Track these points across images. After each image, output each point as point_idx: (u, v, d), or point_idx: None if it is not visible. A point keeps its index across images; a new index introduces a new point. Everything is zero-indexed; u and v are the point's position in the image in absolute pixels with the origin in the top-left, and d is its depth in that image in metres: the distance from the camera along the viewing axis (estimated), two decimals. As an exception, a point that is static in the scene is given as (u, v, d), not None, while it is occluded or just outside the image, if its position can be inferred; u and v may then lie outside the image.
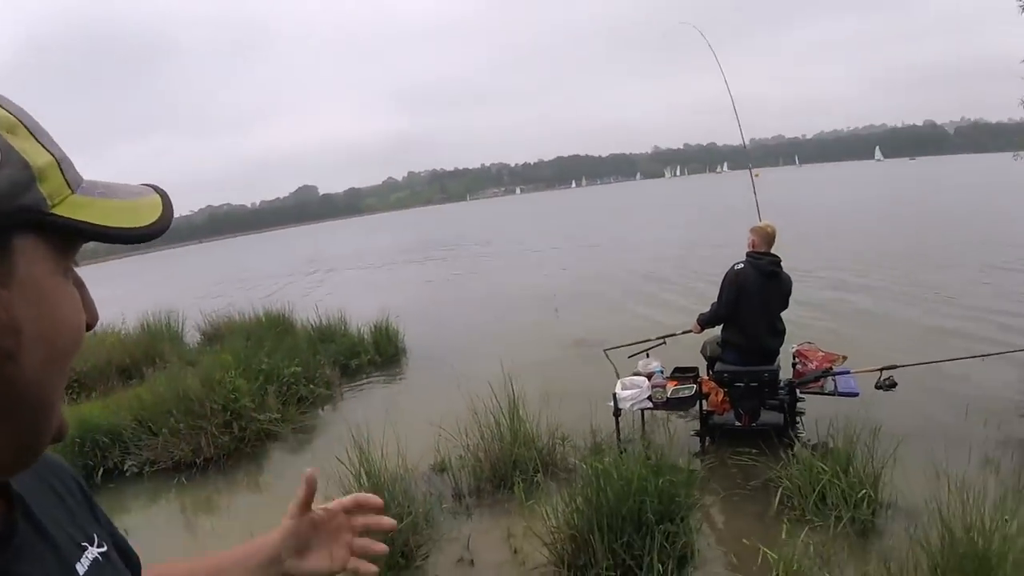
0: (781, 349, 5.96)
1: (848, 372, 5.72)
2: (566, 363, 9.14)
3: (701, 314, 6.22)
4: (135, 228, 0.66)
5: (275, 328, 11.23)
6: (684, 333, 6.81)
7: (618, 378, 6.27)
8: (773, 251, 5.91)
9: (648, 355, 6.78)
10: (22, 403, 0.60)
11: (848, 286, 12.38)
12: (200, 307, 14.04)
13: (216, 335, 12.02)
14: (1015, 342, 7.05)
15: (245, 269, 33.84)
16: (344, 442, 5.21)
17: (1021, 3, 9.22)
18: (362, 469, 4.70)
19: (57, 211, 0.60)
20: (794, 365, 5.99)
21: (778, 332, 5.88)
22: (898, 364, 5.52)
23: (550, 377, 7.56)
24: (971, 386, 6.56)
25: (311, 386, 8.60)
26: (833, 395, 5.70)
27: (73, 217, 0.61)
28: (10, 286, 0.57)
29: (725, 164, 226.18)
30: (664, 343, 7.27)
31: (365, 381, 9.54)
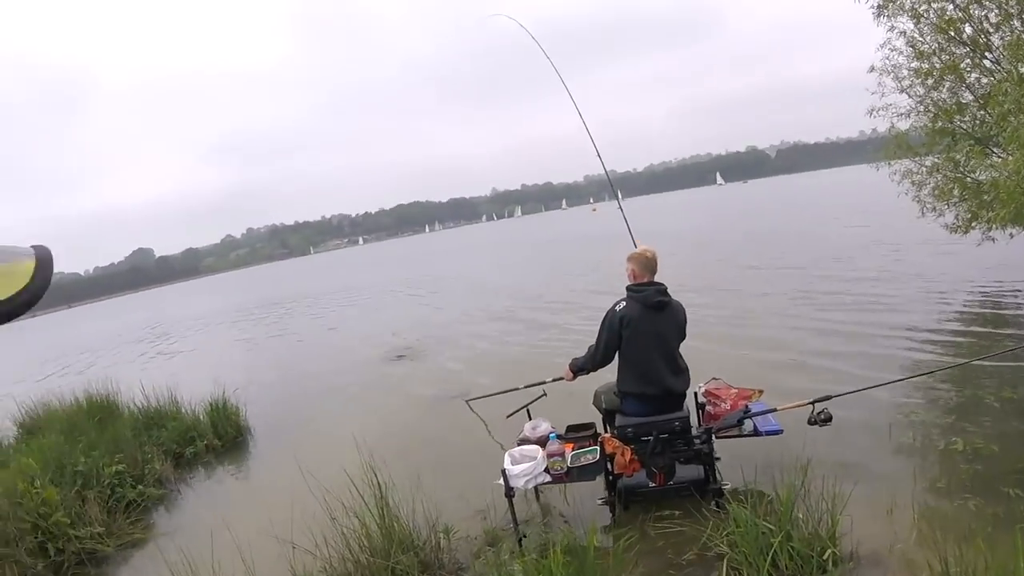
0: (687, 390, 5.12)
1: (774, 410, 4.95)
2: (429, 423, 8.17)
3: (574, 359, 5.36)
4: None
5: (96, 416, 9.53)
6: (555, 381, 5.87)
7: (488, 431, 5.42)
8: (656, 279, 5.10)
9: (530, 414, 5.83)
10: None
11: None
12: (17, 394, 12.27)
13: (34, 427, 10.19)
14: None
15: (74, 344, 30.93)
16: (177, 561, 4.22)
17: (874, 11, 9.07)
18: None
19: None
20: (703, 407, 5.19)
21: (680, 370, 5.04)
22: (832, 394, 4.78)
23: (415, 447, 6.57)
24: (879, 410, 6.14)
25: (140, 487, 7.17)
26: (753, 436, 4.94)
27: None
28: None
29: (564, 201, 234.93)
30: (544, 395, 6.37)
31: (204, 473, 8.16)
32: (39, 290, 0.62)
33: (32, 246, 0.67)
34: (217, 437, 8.88)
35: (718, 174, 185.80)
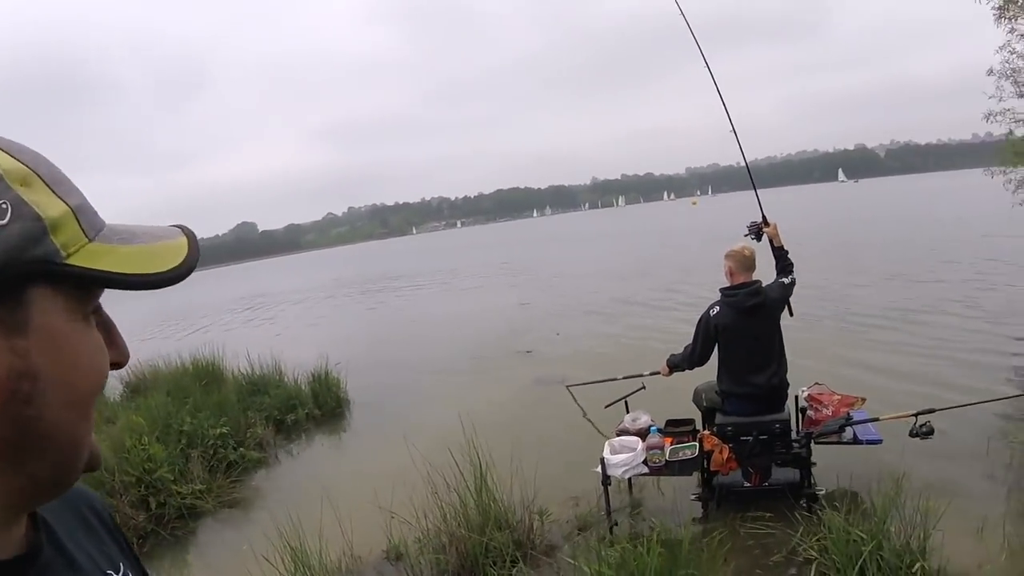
0: (789, 391, 5.08)
1: (877, 420, 4.89)
2: (529, 408, 8.23)
3: (672, 355, 5.42)
4: (152, 274, 0.65)
5: (202, 380, 9.98)
6: (652, 374, 5.98)
7: (588, 419, 5.48)
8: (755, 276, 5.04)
9: (627, 406, 5.87)
10: (48, 441, 0.61)
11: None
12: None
13: (141, 386, 10.69)
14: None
15: (179, 309, 32.14)
16: (279, 521, 4.37)
17: (995, 12, 8.69)
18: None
19: (72, 261, 0.60)
20: (804, 411, 5.11)
21: (776, 370, 4.98)
22: (936, 408, 4.72)
23: (514, 428, 6.64)
24: (982, 426, 5.75)
25: (241, 449, 7.52)
26: (852, 444, 4.90)
27: (88, 266, 0.60)
28: (27, 335, 0.57)
29: (670, 193, 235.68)
30: (644, 388, 6.40)
31: (304, 440, 8.50)
32: (195, 260, 0.71)
33: (175, 225, 0.75)
34: (317, 407, 9.16)
35: (840, 171, 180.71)
